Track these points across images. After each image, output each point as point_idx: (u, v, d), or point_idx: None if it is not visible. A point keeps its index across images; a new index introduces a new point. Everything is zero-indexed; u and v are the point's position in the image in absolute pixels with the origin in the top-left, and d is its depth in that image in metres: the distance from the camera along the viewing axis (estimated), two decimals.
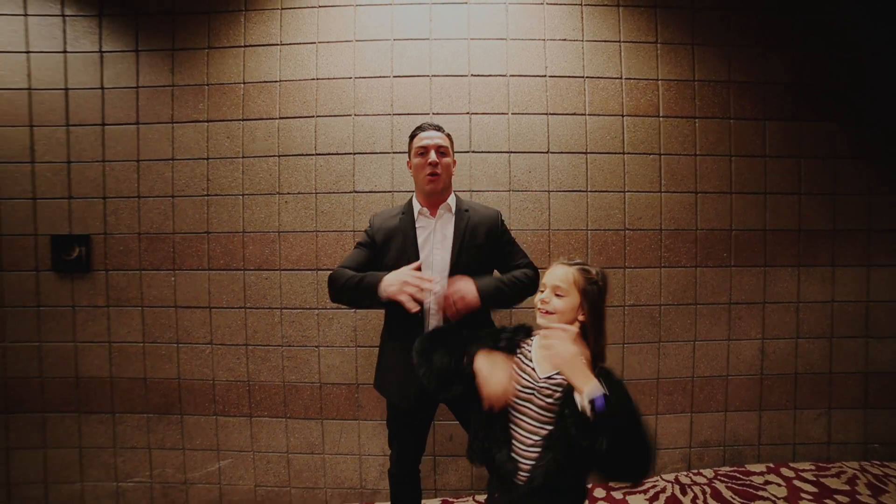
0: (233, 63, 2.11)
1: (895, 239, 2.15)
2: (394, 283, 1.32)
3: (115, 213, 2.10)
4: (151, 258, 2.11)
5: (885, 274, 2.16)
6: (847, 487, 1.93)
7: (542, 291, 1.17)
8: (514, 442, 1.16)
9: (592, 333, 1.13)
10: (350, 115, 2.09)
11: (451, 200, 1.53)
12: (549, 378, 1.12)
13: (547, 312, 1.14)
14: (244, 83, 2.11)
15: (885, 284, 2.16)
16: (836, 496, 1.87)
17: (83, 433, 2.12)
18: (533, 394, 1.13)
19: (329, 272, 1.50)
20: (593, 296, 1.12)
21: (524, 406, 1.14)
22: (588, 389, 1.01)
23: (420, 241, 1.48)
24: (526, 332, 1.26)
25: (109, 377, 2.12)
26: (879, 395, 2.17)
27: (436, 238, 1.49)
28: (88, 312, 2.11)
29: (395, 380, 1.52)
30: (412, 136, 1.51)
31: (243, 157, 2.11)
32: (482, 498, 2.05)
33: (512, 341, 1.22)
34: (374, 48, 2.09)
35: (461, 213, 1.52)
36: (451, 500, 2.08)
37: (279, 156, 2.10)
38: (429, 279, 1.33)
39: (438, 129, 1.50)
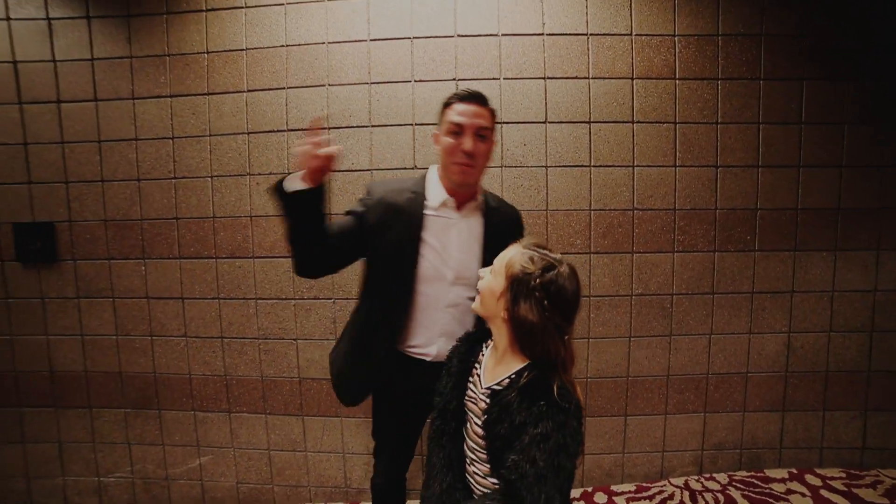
0: (194, 30, 1.90)
1: None
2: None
3: (79, 199, 1.96)
4: (119, 246, 1.98)
5: None
6: (885, 500, 1.71)
7: None
8: (468, 462, 1.01)
9: (517, 337, 0.90)
10: (324, 86, 1.88)
11: (481, 194, 1.27)
12: (488, 388, 0.94)
13: (479, 291, 0.97)
14: (208, 52, 1.90)
15: None
16: None
17: (61, 428, 2.05)
18: (475, 405, 0.97)
19: None
20: (518, 290, 0.87)
21: (472, 418, 0.98)
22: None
23: (435, 231, 1.20)
24: (481, 335, 1.09)
25: (84, 371, 2.03)
26: None
27: (461, 237, 1.23)
28: (59, 304, 2.00)
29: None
30: (446, 104, 1.20)
31: (210, 135, 1.92)
32: None
33: (467, 350, 1.06)
34: (349, 7, 1.85)
35: (490, 211, 1.27)
36: None
37: (248, 133, 1.91)
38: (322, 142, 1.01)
39: (481, 101, 1.18)
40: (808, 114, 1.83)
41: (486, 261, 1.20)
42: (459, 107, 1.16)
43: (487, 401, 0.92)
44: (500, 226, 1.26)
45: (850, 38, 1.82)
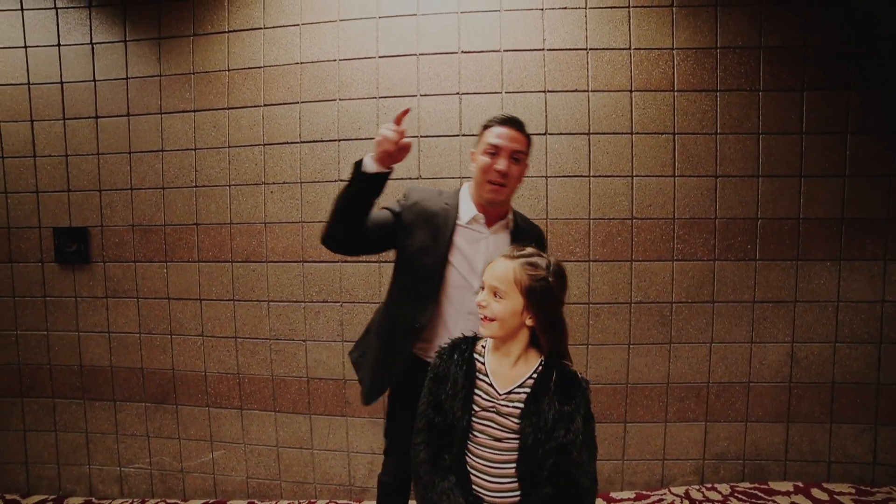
0: (217, 49, 2.05)
1: None
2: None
3: (110, 206, 2.13)
4: (145, 250, 2.13)
5: None
6: None
7: (482, 289, 1.01)
8: (473, 474, 1.01)
9: (546, 337, 0.97)
10: (335, 100, 1.99)
11: (510, 214, 1.34)
12: (509, 393, 0.97)
13: (486, 319, 0.98)
14: (229, 70, 2.05)
15: None
16: None
17: (89, 419, 2.19)
18: (494, 413, 0.98)
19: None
20: (541, 295, 0.94)
21: (486, 426, 0.99)
22: None
23: (466, 242, 1.28)
24: (471, 342, 1.09)
25: (110, 366, 2.17)
26: None
27: (489, 251, 1.28)
28: (89, 303, 2.16)
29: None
30: (485, 127, 1.28)
31: (229, 146, 2.06)
32: None
33: (468, 361, 1.05)
34: (359, 27, 1.97)
35: (518, 229, 1.34)
36: None
37: (264, 144, 2.04)
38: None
39: (518, 126, 1.26)
40: (810, 124, 1.84)
41: None
42: (498, 129, 1.24)
43: (518, 405, 0.96)
44: (527, 243, 1.31)
45: (853, 45, 1.82)
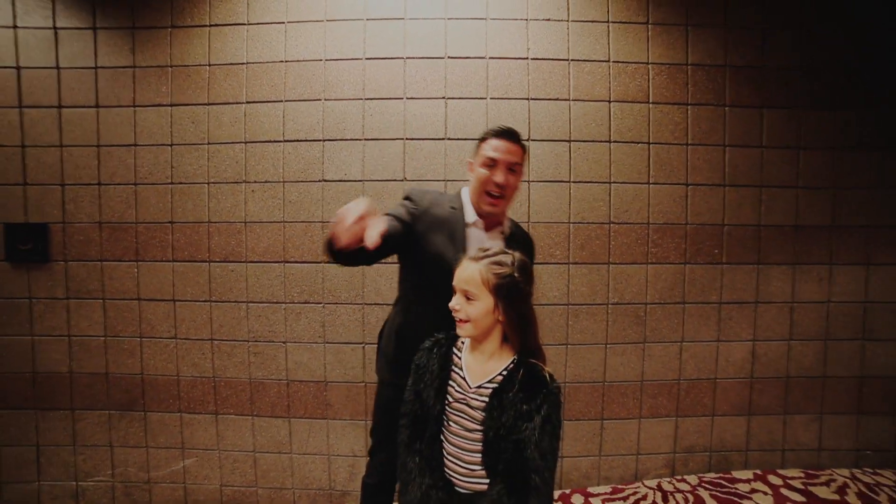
0: (197, 43, 1.98)
1: None
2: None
3: (75, 201, 2.00)
4: (113, 248, 2.01)
5: (886, 273, 2.04)
6: (837, 497, 1.83)
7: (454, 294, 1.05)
8: (449, 459, 1.06)
9: (514, 334, 1.01)
10: (320, 100, 1.97)
11: (506, 222, 1.38)
12: (479, 388, 1.03)
13: (461, 321, 1.03)
14: (209, 65, 1.98)
15: (884, 284, 2.04)
16: None
17: (41, 430, 2.04)
18: (465, 405, 1.04)
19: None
20: (508, 292, 0.99)
21: (459, 417, 1.05)
22: None
23: (475, 241, 1.30)
24: (452, 339, 1.14)
25: (69, 372, 2.03)
26: (873, 401, 2.06)
27: None
28: (46, 304, 2.01)
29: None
30: (483, 139, 1.32)
31: (209, 143, 1.99)
32: None
33: (444, 355, 1.11)
34: (346, 28, 1.96)
35: (511, 236, 1.37)
36: None
37: (246, 142, 1.99)
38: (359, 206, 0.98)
39: (514, 138, 1.29)
40: (769, 138, 2.00)
41: None
42: (494, 142, 1.28)
43: (486, 399, 1.00)
44: (518, 251, 1.36)
45: (807, 69, 2.00)
